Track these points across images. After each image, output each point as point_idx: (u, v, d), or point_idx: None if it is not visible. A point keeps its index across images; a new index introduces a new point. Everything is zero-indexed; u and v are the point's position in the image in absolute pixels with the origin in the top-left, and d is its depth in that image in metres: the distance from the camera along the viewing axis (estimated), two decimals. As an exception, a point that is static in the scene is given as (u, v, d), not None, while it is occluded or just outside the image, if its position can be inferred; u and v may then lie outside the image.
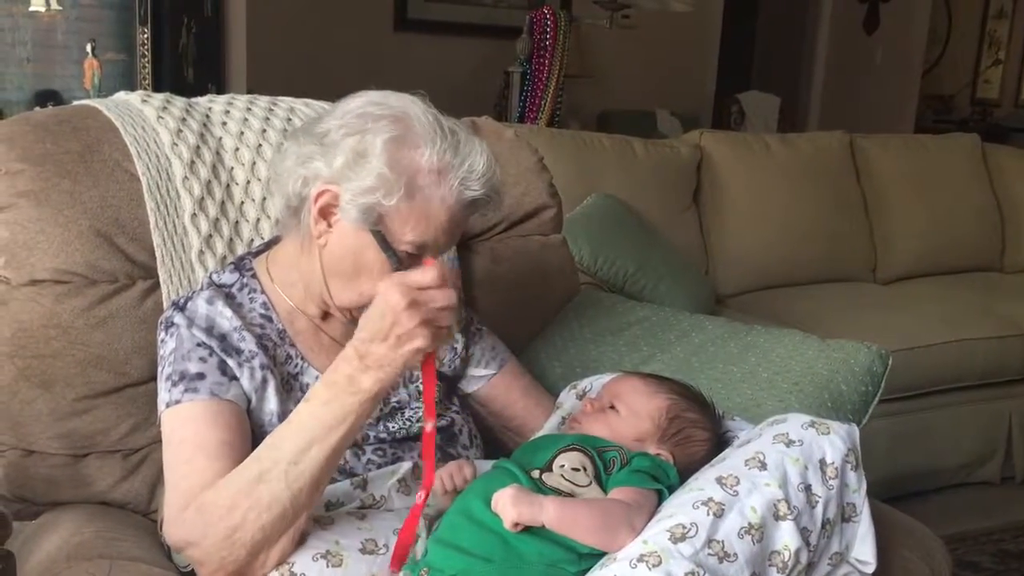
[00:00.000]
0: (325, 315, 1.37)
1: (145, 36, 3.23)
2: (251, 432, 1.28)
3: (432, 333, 1.12)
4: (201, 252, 1.46)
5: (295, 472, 1.14)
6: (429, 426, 1.19)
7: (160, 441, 1.28)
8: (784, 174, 3.46)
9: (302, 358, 1.35)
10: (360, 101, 1.28)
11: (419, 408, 1.38)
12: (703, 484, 1.16)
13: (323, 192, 1.24)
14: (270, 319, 1.35)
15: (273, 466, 1.15)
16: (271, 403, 1.29)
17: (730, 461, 1.19)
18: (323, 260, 1.29)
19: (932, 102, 7.38)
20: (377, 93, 1.29)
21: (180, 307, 1.32)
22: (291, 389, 1.33)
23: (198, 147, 1.51)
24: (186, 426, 1.24)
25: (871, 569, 1.23)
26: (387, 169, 1.20)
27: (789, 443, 1.19)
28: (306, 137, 1.28)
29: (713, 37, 6.03)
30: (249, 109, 1.60)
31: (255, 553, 1.15)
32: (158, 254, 1.43)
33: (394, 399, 1.39)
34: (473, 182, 1.24)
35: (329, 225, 1.26)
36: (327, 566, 1.15)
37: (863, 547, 1.21)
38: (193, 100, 1.59)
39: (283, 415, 1.27)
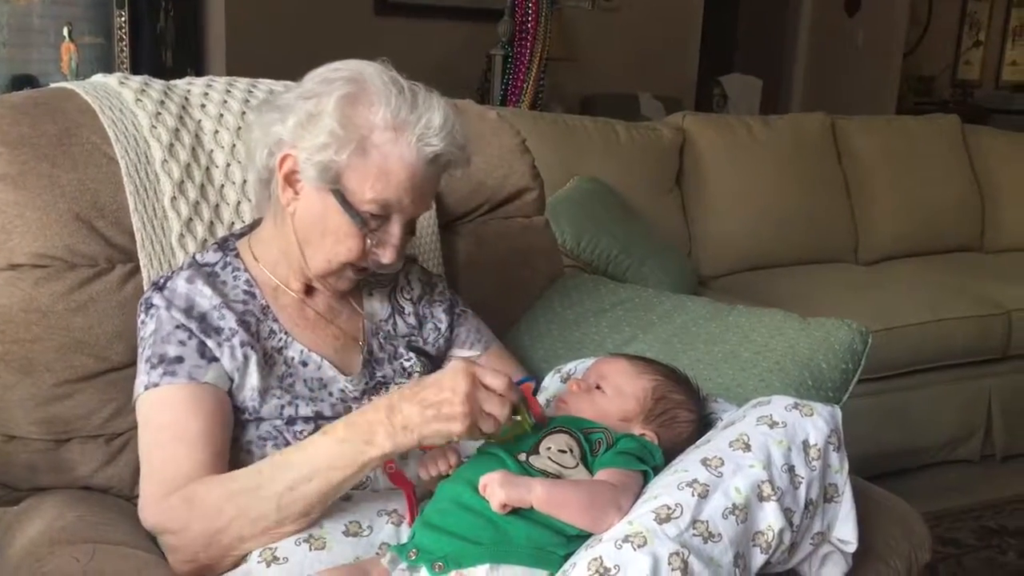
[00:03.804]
0: (308, 290, 1.37)
1: (122, 19, 3.19)
2: (233, 410, 1.28)
3: (469, 428, 1.13)
4: (181, 235, 1.45)
5: (289, 497, 1.15)
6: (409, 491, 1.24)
7: (143, 425, 1.28)
8: (766, 156, 3.46)
9: (286, 333, 1.35)
10: (320, 70, 1.30)
11: (403, 384, 1.38)
12: (688, 465, 1.16)
13: (285, 158, 1.26)
14: (253, 295, 1.35)
15: (270, 484, 1.16)
16: (253, 379, 1.29)
17: (714, 443, 1.20)
18: (295, 229, 1.30)
19: (913, 83, 7.39)
20: (338, 62, 1.30)
21: (159, 287, 1.32)
22: (274, 364, 1.32)
23: (177, 130, 1.49)
24: (165, 411, 1.24)
25: (853, 548, 1.24)
26: (338, 125, 1.22)
27: (773, 425, 1.20)
28: (267, 107, 1.31)
29: (695, 20, 6.03)
30: (228, 92, 1.59)
31: (227, 554, 1.17)
32: (138, 238, 1.42)
33: (379, 373, 1.39)
34: (432, 137, 1.25)
35: (296, 192, 1.28)
36: (310, 549, 1.15)
37: (845, 527, 1.22)
38: (172, 83, 1.58)
39: (264, 391, 1.28)
